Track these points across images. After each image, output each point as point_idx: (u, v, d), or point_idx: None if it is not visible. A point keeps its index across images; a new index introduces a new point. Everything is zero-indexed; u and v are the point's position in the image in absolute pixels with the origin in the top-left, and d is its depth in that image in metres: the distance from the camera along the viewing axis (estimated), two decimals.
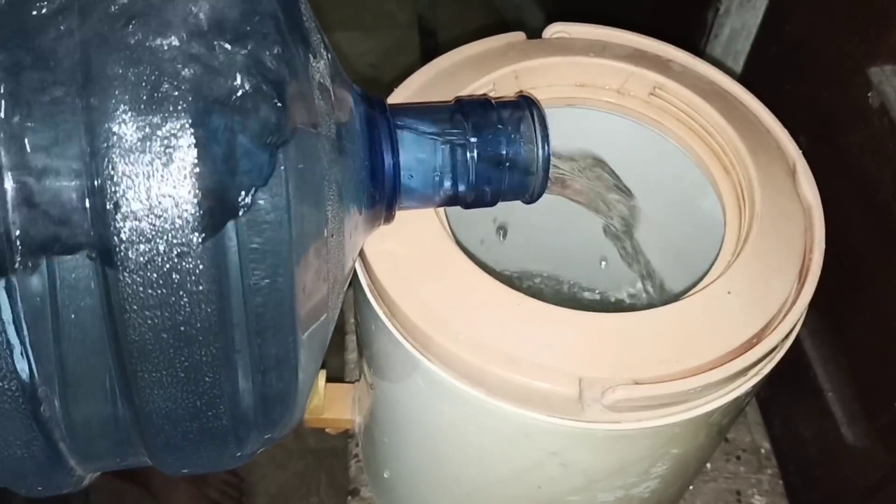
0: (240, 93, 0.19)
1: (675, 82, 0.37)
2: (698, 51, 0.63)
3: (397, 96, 0.36)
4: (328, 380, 0.51)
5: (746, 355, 0.30)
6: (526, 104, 0.31)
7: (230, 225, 0.19)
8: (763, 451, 0.55)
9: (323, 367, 0.52)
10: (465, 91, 0.36)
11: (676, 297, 0.32)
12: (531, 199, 0.31)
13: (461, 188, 0.30)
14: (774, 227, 0.33)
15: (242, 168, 0.20)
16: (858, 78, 0.44)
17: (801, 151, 0.36)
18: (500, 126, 0.30)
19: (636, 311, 0.30)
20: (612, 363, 0.29)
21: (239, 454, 0.25)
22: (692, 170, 0.37)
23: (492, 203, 0.31)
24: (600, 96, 0.38)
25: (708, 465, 0.53)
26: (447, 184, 0.30)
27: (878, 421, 0.46)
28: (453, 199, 0.31)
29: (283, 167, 0.21)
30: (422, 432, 0.36)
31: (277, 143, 0.20)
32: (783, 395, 0.55)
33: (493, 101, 0.31)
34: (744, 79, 0.60)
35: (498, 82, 0.37)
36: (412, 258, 0.31)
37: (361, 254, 0.32)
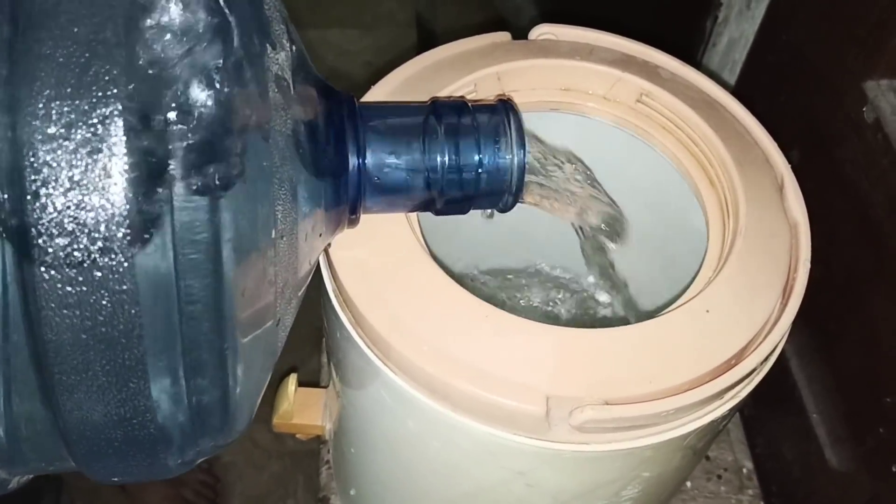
0: (177, 81, 0.18)
1: (663, 89, 0.36)
2: (696, 59, 0.62)
3: (375, 93, 0.34)
4: (301, 384, 0.49)
5: (724, 377, 0.28)
6: (503, 109, 0.29)
7: (160, 221, 0.18)
8: (745, 470, 0.54)
9: (296, 370, 0.51)
10: (445, 91, 0.34)
11: (655, 313, 0.30)
12: (505, 207, 0.30)
13: (431, 194, 0.29)
14: (758, 244, 0.31)
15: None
16: (854, 92, 0.43)
17: (789, 165, 0.34)
18: (475, 130, 0.29)
19: (610, 328, 0.29)
20: (581, 381, 0.28)
21: (175, 462, 0.23)
22: (678, 180, 0.36)
23: (464, 210, 0.30)
24: (585, 101, 0.37)
25: (688, 484, 0.51)
26: (417, 188, 0.29)
27: (862, 445, 0.45)
28: (423, 205, 0.29)
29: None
30: (387, 444, 0.35)
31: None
32: (767, 414, 0.54)
33: (469, 104, 0.30)
34: (739, 88, 0.59)
35: (480, 83, 0.35)
36: (380, 265, 0.30)
37: (328, 259, 0.31)
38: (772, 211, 0.33)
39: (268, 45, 0.23)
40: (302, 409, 0.48)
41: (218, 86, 0.19)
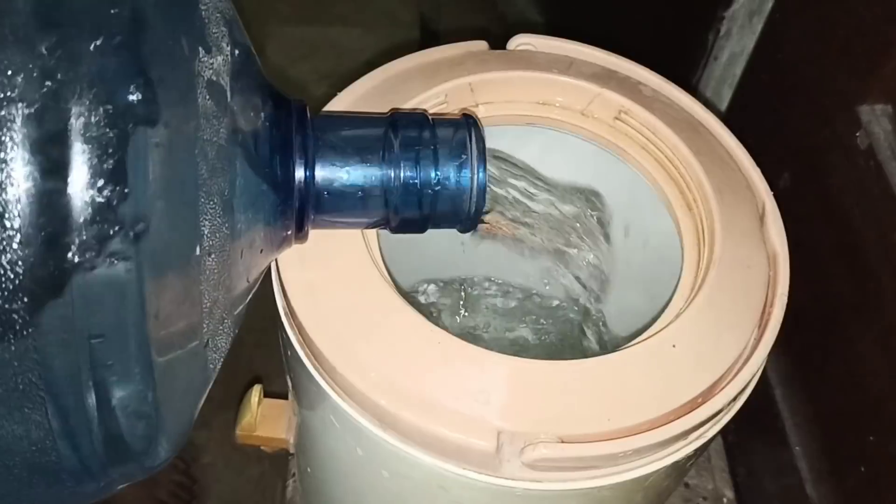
0: (78, 82, 0.17)
1: (643, 107, 0.34)
2: (696, 73, 0.60)
3: (339, 102, 0.33)
4: (267, 394, 0.48)
5: (688, 416, 0.27)
6: (465, 124, 0.28)
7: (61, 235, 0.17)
8: (725, 500, 0.52)
9: (261, 381, 0.49)
10: (412, 102, 0.33)
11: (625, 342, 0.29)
12: (464, 228, 0.28)
13: (386, 212, 0.27)
14: (734, 274, 0.30)
15: None
16: (847, 116, 0.41)
17: (772, 193, 0.33)
18: (432, 146, 0.27)
19: (568, 361, 0.27)
20: (535, 416, 0.26)
21: (94, 488, 0.22)
22: (655, 203, 0.34)
23: (421, 229, 0.28)
24: (562, 116, 0.35)
25: None
26: (370, 206, 0.27)
27: (844, 483, 0.43)
28: (377, 223, 0.28)
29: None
30: (338, 468, 0.33)
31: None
32: (750, 442, 0.52)
33: (429, 118, 0.28)
34: (734, 106, 0.57)
35: (451, 94, 0.34)
36: (330, 284, 0.29)
37: (278, 275, 0.29)
38: (750, 240, 0.31)
39: (199, 48, 0.21)
40: (266, 421, 0.46)
41: (130, 96, 0.18)
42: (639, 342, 0.28)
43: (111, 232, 0.18)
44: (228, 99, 0.23)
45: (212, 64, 0.22)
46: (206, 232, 0.21)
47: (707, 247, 0.31)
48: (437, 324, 0.28)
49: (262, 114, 0.25)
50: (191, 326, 0.22)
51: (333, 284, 0.28)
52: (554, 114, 0.35)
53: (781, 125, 0.49)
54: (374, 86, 0.34)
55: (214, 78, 0.22)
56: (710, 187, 0.32)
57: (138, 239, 0.19)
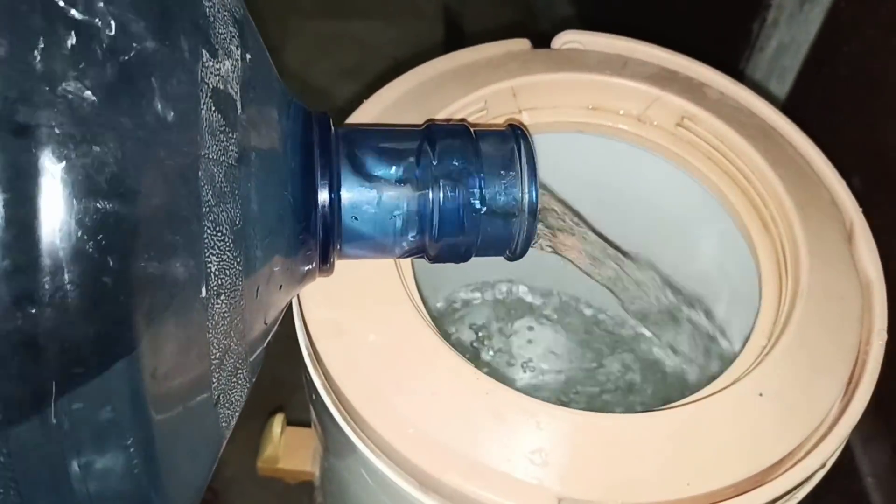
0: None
1: (709, 112, 0.30)
2: (739, 64, 0.56)
3: (365, 112, 0.29)
4: (290, 422, 0.44)
5: (777, 481, 0.23)
6: (514, 136, 0.24)
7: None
8: None
9: (283, 409, 0.46)
10: (449, 110, 0.29)
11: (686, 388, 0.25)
12: (513, 255, 0.25)
13: (423, 239, 0.24)
14: (824, 308, 0.26)
15: None
16: None
17: (860, 209, 0.28)
18: (475, 162, 0.23)
19: (641, 413, 0.24)
20: (602, 481, 0.22)
21: None
22: (724, 221, 0.30)
23: (464, 258, 0.25)
24: (616, 123, 0.31)
25: None
26: (406, 231, 0.23)
27: None
28: (413, 251, 0.24)
29: None
30: None
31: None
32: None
33: (471, 130, 0.24)
34: (789, 103, 0.52)
35: (491, 100, 0.30)
36: (359, 324, 0.25)
37: (302, 315, 0.26)
38: (839, 266, 0.27)
39: (204, 51, 0.18)
40: (289, 452, 0.43)
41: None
42: (719, 390, 0.24)
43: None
44: (239, 111, 0.19)
45: (218, 70, 0.18)
46: (213, 269, 0.18)
47: (790, 274, 0.27)
48: (480, 357, 0.24)
49: (279, 128, 0.21)
50: (198, 382, 0.18)
51: (364, 324, 0.25)
52: (607, 120, 0.31)
53: (848, 125, 0.44)
54: (405, 91, 0.30)
55: (222, 86, 0.18)
56: (792, 203, 0.28)
57: None
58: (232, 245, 0.19)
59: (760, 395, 0.24)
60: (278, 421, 0.42)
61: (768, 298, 0.27)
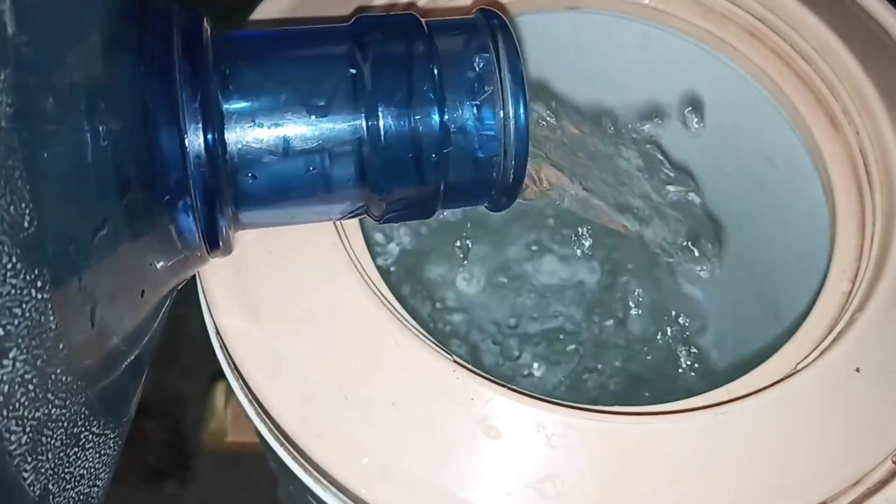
0: None
1: None
2: None
3: (265, 10, 0.21)
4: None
5: (890, 488, 0.16)
6: (486, 27, 0.16)
7: None
8: None
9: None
10: None
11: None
12: (496, 206, 0.17)
13: (362, 192, 0.16)
14: None
15: None
16: None
17: None
18: (431, 74, 0.15)
19: (687, 412, 0.17)
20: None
21: None
22: (780, 125, 0.22)
23: (426, 214, 0.17)
24: None
25: None
26: (333, 186, 0.16)
27: None
28: (351, 210, 0.17)
29: None
30: None
31: None
32: None
33: (423, 22, 0.16)
34: None
35: None
36: (288, 312, 0.18)
37: (213, 321, 0.18)
38: None
39: None
40: (239, 423, 0.37)
41: None
42: (797, 369, 0.17)
43: None
44: (7, 29, 0.11)
45: None
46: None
47: (880, 189, 0.19)
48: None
49: (113, 44, 0.13)
50: None
51: (293, 308, 0.17)
52: None
53: None
54: None
55: None
56: (875, 91, 0.20)
57: None
58: (21, 265, 0.11)
59: (857, 370, 0.17)
60: (221, 390, 0.36)
61: (846, 225, 0.20)
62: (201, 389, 0.59)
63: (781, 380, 0.17)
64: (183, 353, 0.45)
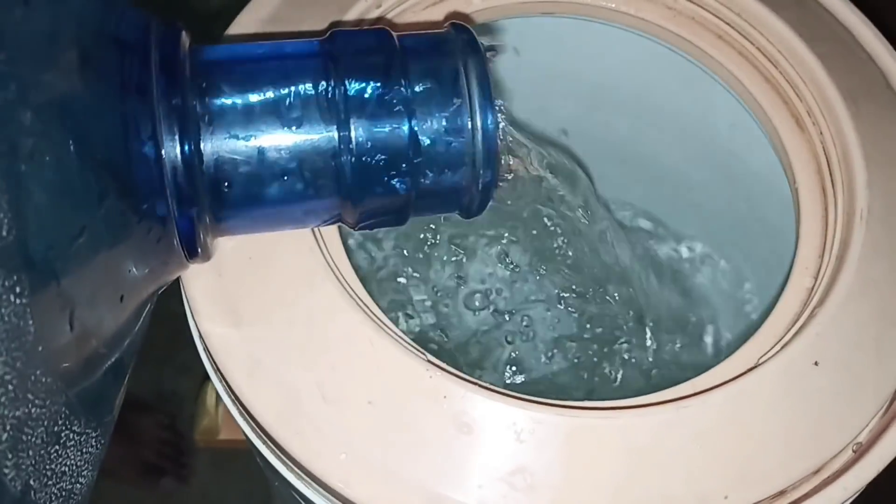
0: None
1: None
2: None
3: (250, 17, 0.21)
4: None
5: (846, 478, 0.17)
6: (457, 41, 0.17)
7: None
8: None
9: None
10: (356, 10, 0.21)
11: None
12: (468, 213, 0.18)
13: (335, 201, 0.17)
14: (892, 235, 0.19)
15: None
16: None
17: None
18: (402, 86, 0.16)
19: (652, 406, 0.17)
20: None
21: None
22: (745, 122, 0.23)
23: (398, 221, 0.18)
24: (595, 1, 0.24)
25: None
26: (307, 196, 0.16)
27: None
28: (325, 218, 0.17)
29: None
30: None
31: None
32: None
33: (394, 37, 0.17)
34: None
35: None
36: (267, 313, 0.18)
37: (196, 324, 0.19)
38: None
39: None
40: (231, 422, 0.37)
41: None
42: (759, 363, 0.18)
43: None
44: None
45: None
46: None
47: (842, 189, 0.20)
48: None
49: (84, 56, 0.14)
50: None
51: (272, 310, 0.18)
52: None
53: None
54: None
55: None
56: (837, 92, 0.21)
57: None
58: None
59: (816, 363, 0.18)
60: (212, 389, 0.36)
61: (809, 223, 0.20)
62: (197, 386, 0.60)
63: (744, 373, 0.18)
64: (179, 350, 0.46)
